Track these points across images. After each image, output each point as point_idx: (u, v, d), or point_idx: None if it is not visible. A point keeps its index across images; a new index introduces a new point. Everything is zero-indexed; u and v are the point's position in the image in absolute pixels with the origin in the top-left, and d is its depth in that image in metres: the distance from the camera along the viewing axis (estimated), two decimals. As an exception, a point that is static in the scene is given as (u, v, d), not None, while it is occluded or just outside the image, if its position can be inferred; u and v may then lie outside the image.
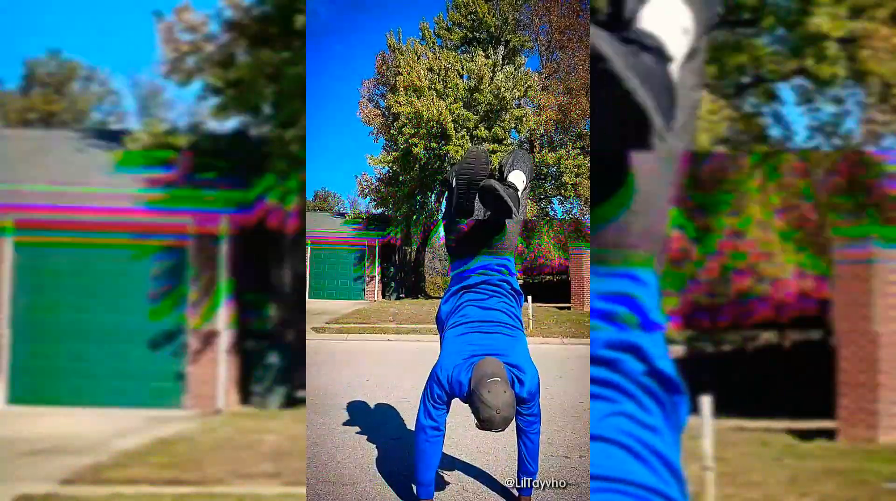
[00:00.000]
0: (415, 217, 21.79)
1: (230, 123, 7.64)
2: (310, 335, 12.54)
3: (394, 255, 23.95)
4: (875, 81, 6.29)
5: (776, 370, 6.42)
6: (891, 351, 5.64)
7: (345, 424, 4.78)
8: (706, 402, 4.05)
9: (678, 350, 6.77)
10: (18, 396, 7.55)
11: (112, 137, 9.80)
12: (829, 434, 5.64)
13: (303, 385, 6.98)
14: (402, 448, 3.96)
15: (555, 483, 3.22)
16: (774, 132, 6.88)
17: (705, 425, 4.06)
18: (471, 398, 2.68)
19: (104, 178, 7.97)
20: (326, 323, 14.41)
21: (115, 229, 7.65)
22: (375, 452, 4.00)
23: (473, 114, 20.86)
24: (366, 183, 24.72)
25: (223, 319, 7.55)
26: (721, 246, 6.62)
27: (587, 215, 22.84)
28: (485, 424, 2.61)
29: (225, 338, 7.54)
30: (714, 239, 6.58)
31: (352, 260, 22.27)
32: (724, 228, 6.59)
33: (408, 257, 24.25)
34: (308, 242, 20.38)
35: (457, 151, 20.48)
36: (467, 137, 20.74)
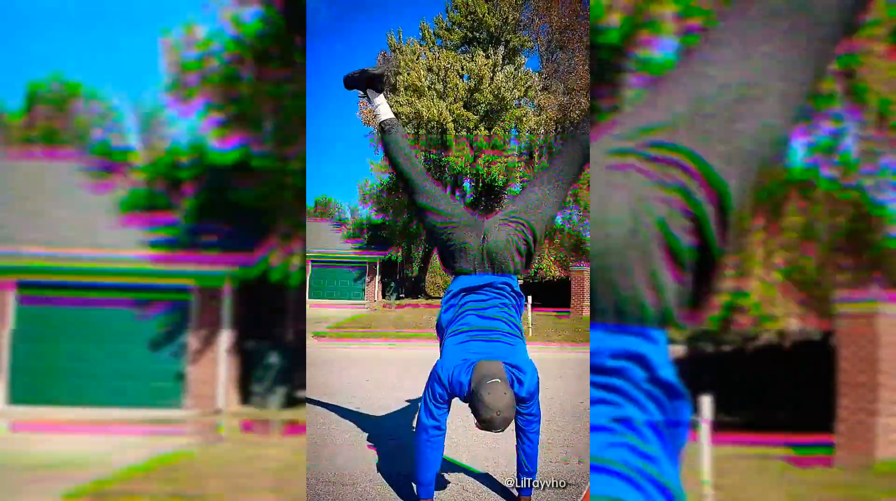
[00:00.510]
0: (414, 227, 21.69)
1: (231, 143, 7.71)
2: (310, 341, 12.57)
3: (395, 274, 23.97)
4: (872, 102, 6.29)
5: (776, 369, 6.41)
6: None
7: (345, 425, 4.79)
8: (706, 402, 4.06)
9: (678, 350, 6.76)
10: (19, 396, 7.55)
11: (114, 155, 9.81)
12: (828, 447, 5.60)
13: (303, 385, 6.99)
14: (402, 449, 3.97)
15: (555, 483, 3.18)
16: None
17: (703, 443, 4.07)
18: (471, 399, 2.67)
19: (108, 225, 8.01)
20: (328, 329, 14.44)
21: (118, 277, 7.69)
22: (376, 453, 4.01)
23: (473, 114, 20.78)
24: (368, 189, 24.61)
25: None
26: (723, 285, 6.64)
27: (586, 221, 22.77)
28: (485, 425, 2.60)
29: (225, 338, 7.55)
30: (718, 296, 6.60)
31: (353, 277, 22.30)
32: (727, 267, 6.61)
33: (410, 277, 24.22)
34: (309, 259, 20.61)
35: (456, 160, 20.44)
36: (467, 146, 20.66)
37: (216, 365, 7.49)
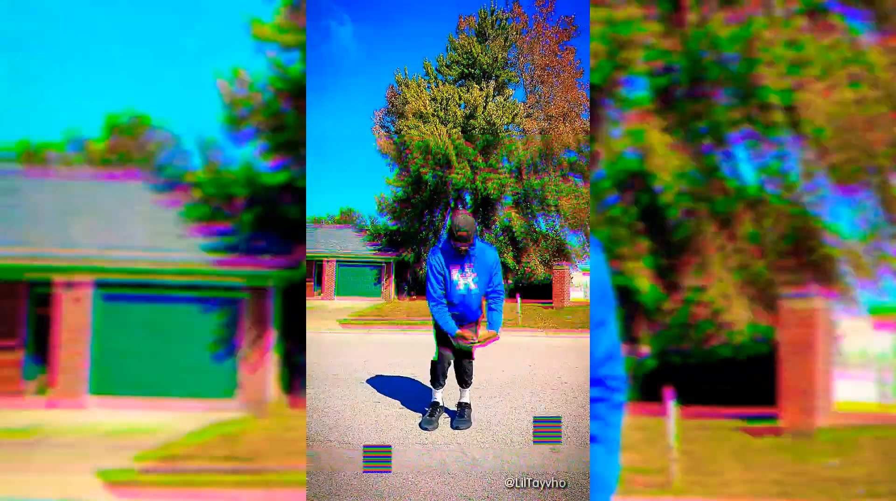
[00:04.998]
0: (423, 233, 21.88)
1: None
2: (335, 328, 12.64)
3: (406, 274, 24.11)
4: (810, 131, 6.38)
5: (733, 379, 6.43)
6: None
7: (364, 395, 4.76)
8: (672, 406, 4.13)
9: (651, 364, 6.83)
10: (97, 387, 7.57)
11: (178, 176, 9.80)
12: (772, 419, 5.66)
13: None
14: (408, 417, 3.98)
15: (555, 483, 2.81)
16: (726, 171, 6.97)
17: (671, 424, 4.14)
18: (450, 230, 3.39)
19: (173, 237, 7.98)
20: (349, 317, 14.50)
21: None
22: (390, 416, 4.00)
23: (471, 146, 20.93)
24: (384, 202, 24.66)
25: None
26: (687, 297, 6.79)
27: (565, 227, 22.84)
28: (459, 239, 3.33)
29: (271, 338, 7.60)
30: (681, 291, 6.77)
31: (372, 275, 22.62)
32: (690, 282, 6.75)
33: (419, 276, 24.36)
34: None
35: (458, 177, 20.55)
36: (468, 166, 20.77)
37: (263, 365, 7.53)
